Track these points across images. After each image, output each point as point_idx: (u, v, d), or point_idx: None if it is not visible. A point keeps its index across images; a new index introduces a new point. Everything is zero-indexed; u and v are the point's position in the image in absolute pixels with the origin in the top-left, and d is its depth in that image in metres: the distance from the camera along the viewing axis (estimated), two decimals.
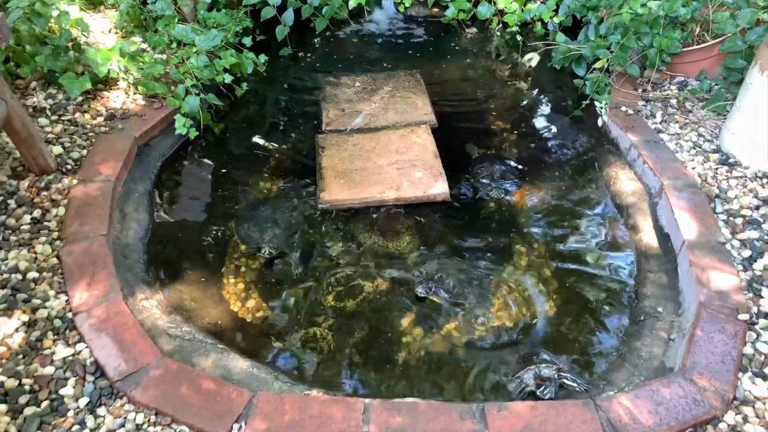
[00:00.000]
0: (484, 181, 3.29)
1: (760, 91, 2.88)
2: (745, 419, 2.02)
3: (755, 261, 2.55)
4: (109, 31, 3.88)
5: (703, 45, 3.56)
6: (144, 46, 3.72)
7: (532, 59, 4.34)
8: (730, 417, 2.03)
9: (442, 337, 2.57)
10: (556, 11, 4.27)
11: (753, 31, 3.34)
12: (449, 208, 3.19)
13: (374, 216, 3.15)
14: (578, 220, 3.11)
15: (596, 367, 2.41)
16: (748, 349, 2.22)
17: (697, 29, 3.64)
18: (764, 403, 2.06)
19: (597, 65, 3.64)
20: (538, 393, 2.26)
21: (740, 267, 2.53)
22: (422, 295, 2.68)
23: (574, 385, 2.26)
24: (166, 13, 3.82)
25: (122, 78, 3.42)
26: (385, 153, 3.47)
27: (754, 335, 2.27)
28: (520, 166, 3.41)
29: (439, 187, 3.20)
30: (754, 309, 2.35)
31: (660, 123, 3.38)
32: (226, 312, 2.68)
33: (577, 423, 1.98)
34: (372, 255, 2.93)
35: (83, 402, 2.04)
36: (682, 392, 2.08)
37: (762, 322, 2.30)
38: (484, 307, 2.68)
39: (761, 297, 2.40)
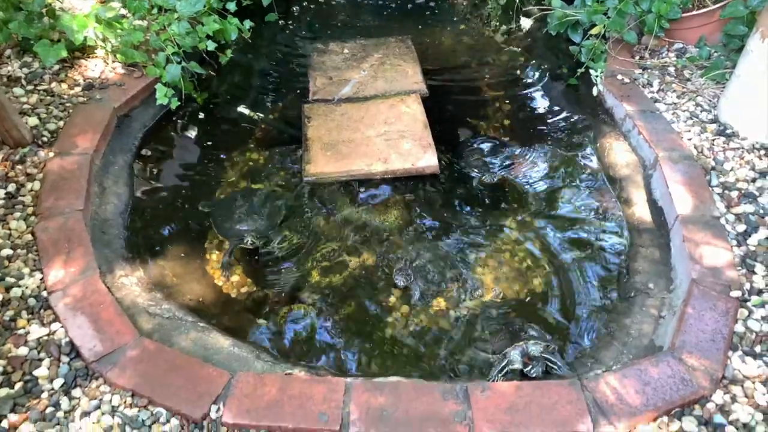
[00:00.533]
0: (475, 165, 3.14)
1: (760, 59, 2.77)
2: (734, 399, 1.98)
3: (750, 236, 2.49)
4: None
5: (703, 10, 3.42)
6: (123, 11, 3.57)
7: (527, 25, 4.19)
8: (719, 396, 1.99)
9: (429, 314, 2.52)
10: None
11: None
12: (438, 181, 3.11)
13: (362, 189, 3.07)
14: (570, 194, 3.03)
15: (584, 344, 2.36)
16: (739, 327, 2.17)
17: None
18: (753, 383, 2.02)
19: (593, 31, 3.50)
20: (525, 372, 2.22)
21: (734, 242, 2.47)
22: (402, 284, 2.57)
23: (555, 368, 2.21)
24: None
25: (100, 46, 3.29)
26: (373, 123, 3.36)
27: (746, 312, 2.22)
28: (511, 147, 3.24)
29: (428, 160, 3.11)
30: (747, 285, 2.30)
31: (657, 92, 3.27)
32: (210, 288, 2.63)
33: (562, 403, 1.94)
34: (359, 230, 2.86)
35: (58, 383, 1.99)
36: (670, 372, 2.03)
37: (754, 299, 2.25)
38: (472, 282, 2.62)
39: (754, 273, 2.34)
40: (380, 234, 2.84)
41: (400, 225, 2.89)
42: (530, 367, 2.21)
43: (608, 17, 3.47)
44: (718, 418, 1.93)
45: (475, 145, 3.22)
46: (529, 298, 2.57)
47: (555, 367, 2.21)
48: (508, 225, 2.89)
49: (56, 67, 3.22)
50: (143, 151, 3.16)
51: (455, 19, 4.39)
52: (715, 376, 2.03)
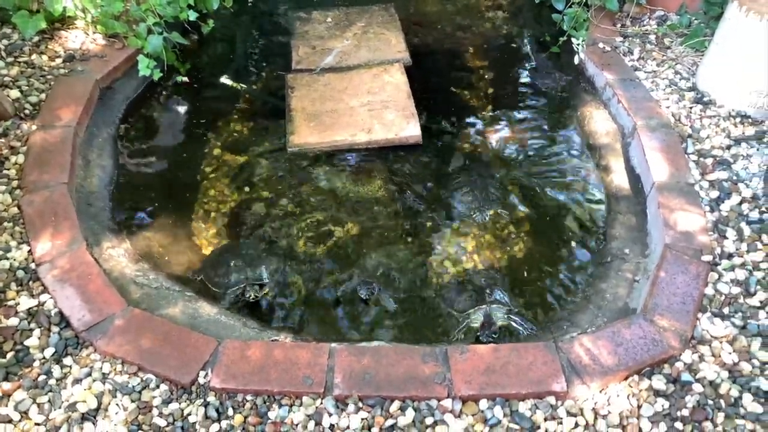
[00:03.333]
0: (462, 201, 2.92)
1: (737, 26, 2.81)
2: (702, 358, 2.07)
3: (722, 202, 2.56)
4: None
5: None
6: None
7: None
8: (687, 356, 2.08)
9: (411, 280, 2.58)
10: None
11: None
12: (422, 150, 3.15)
13: (345, 159, 3.10)
14: (551, 161, 3.08)
15: (560, 308, 2.44)
16: (709, 290, 2.26)
17: None
18: (721, 342, 2.11)
19: None
20: (478, 335, 2.30)
21: (707, 208, 2.54)
22: (365, 297, 2.49)
23: (520, 328, 2.29)
24: None
25: (80, 17, 3.26)
26: (356, 93, 3.38)
27: (716, 276, 2.30)
28: (500, 190, 2.95)
29: (411, 130, 3.14)
30: (718, 250, 2.38)
31: (637, 60, 3.30)
32: (196, 258, 2.67)
33: (538, 365, 2.02)
34: (343, 200, 2.90)
35: (49, 352, 2.04)
36: (642, 333, 2.12)
37: (725, 263, 2.33)
38: (453, 250, 2.68)
39: (725, 238, 2.42)
40: (364, 204, 2.89)
41: (384, 194, 2.93)
42: (483, 331, 2.29)
43: None
44: (686, 376, 2.02)
45: (464, 191, 2.94)
46: (507, 264, 2.63)
47: (520, 329, 2.29)
48: (491, 194, 2.93)
49: (36, 38, 3.19)
50: (127, 123, 3.16)
51: None
52: (685, 337, 2.12)
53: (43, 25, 3.09)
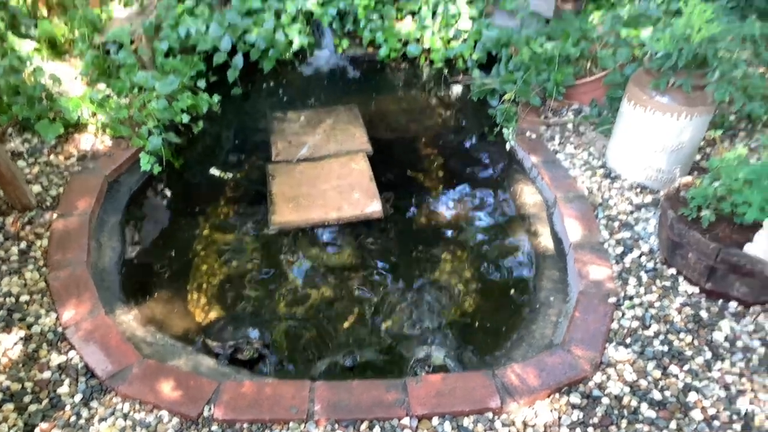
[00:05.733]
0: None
1: (629, 117, 3.53)
2: (609, 377, 2.60)
3: (626, 255, 3.17)
4: (75, 79, 4.31)
5: (592, 77, 4.22)
6: (108, 92, 4.16)
7: (457, 91, 4.96)
8: (597, 377, 2.60)
9: (378, 333, 3.08)
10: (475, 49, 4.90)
11: (629, 66, 4.01)
12: (383, 224, 3.73)
13: (320, 234, 3.67)
14: (490, 230, 3.69)
15: (500, 347, 2.96)
16: (614, 325, 2.82)
17: (588, 64, 4.31)
18: (624, 365, 2.65)
19: (506, 97, 4.26)
20: (413, 366, 2.83)
21: (614, 261, 3.14)
22: (350, 366, 2.91)
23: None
24: (127, 62, 4.28)
25: (91, 122, 3.86)
26: (327, 179, 3.99)
27: (620, 314, 2.87)
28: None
29: (374, 207, 3.74)
30: (622, 293, 2.96)
31: (558, 145, 4.01)
32: (193, 323, 3.13)
33: (478, 388, 2.52)
34: (318, 268, 3.44)
35: (78, 398, 2.47)
36: (561, 360, 2.65)
37: (627, 303, 2.91)
38: (414, 305, 3.21)
39: (627, 284, 3.01)
40: (336, 270, 3.42)
41: (353, 262, 3.48)
42: (420, 363, 2.83)
43: (517, 86, 4.24)
44: (596, 392, 2.54)
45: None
46: (458, 315, 3.16)
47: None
48: (443, 258, 3.51)
49: (53, 141, 3.76)
50: (131, 211, 3.70)
51: (394, 88, 5.12)
52: (595, 362, 2.65)
53: (62, 130, 3.67)
